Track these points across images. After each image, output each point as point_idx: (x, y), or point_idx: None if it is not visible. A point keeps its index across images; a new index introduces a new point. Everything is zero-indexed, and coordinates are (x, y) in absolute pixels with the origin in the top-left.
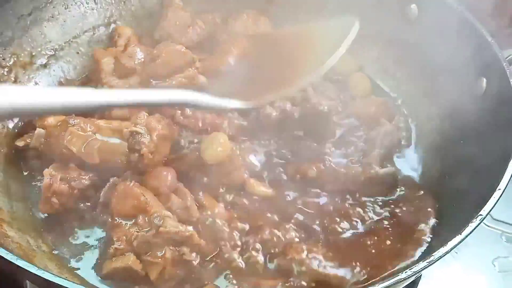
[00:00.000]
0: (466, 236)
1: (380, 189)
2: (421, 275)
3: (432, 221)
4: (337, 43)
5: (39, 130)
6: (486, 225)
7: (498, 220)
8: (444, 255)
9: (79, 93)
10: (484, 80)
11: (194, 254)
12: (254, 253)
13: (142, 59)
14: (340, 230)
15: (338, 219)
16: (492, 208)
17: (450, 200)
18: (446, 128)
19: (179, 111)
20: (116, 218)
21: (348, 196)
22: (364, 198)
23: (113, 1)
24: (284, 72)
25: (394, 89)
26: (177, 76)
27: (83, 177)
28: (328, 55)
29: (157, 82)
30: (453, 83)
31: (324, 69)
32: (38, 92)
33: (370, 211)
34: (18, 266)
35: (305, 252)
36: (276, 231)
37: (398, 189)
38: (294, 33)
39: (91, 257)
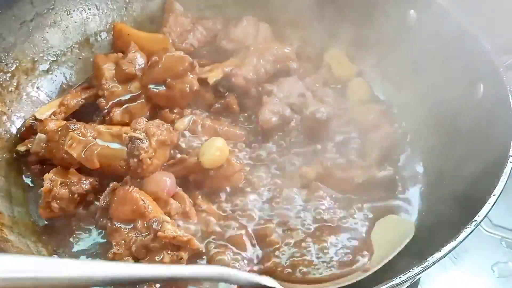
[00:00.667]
0: (461, 242)
1: (378, 193)
2: (419, 280)
3: None
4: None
5: (40, 135)
6: (485, 230)
7: (497, 226)
8: (438, 261)
9: (112, 268)
10: (481, 86)
11: None
12: None
13: (142, 65)
14: None
15: None
16: (486, 214)
17: (447, 205)
18: (444, 133)
19: None
20: (115, 222)
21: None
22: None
23: (115, 7)
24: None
25: (393, 94)
26: (177, 82)
27: (83, 181)
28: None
29: (158, 88)
30: (451, 88)
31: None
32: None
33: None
34: None
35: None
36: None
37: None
38: None
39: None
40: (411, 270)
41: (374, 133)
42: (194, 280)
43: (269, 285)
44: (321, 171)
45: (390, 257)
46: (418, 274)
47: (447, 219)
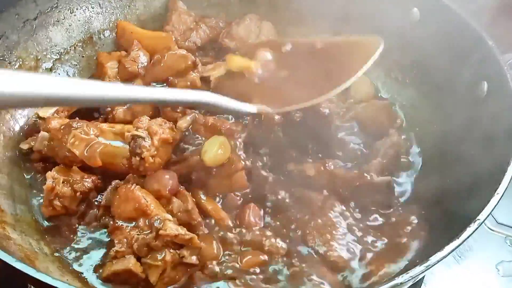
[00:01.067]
0: (463, 241)
1: (375, 199)
2: (423, 279)
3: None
4: (358, 63)
5: (42, 133)
6: (490, 229)
7: (502, 224)
8: (441, 260)
9: (95, 86)
10: (485, 84)
11: (194, 257)
12: None
13: (145, 63)
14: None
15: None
16: (490, 213)
17: (451, 204)
18: (447, 132)
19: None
20: (117, 220)
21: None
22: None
23: (118, 5)
24: (302, 85)
25: (396, 92)
26: (180, 80)
27: (86, 180)
28: (347, 75)
29: (160, 86)
30: (454, 87)
31: (340, 88)
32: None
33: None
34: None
35: None
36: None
37: (396, 201)
38: (317, 45)
39: (92, 259)
40: (414, 269)
41: (382, 139)
42: (178, 105)
43: (252, 111)
44: (321, 169)
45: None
46: (421, 273)
47: (450, 217)
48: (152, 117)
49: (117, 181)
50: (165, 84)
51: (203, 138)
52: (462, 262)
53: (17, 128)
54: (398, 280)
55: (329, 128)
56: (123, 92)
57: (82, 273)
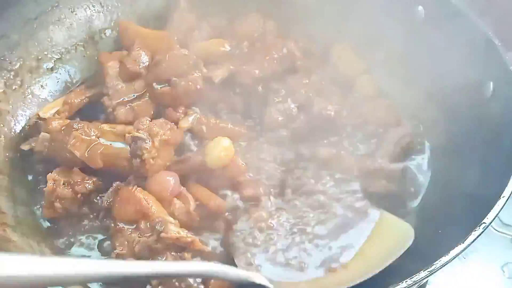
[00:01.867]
0: (469, 245)
1: (386, 184)
2: (427, 281)
3: None
4: (387, 255)
5: (43, 134)
6: (495, 229)
7: (508, 225)
8: (445, 264)
9: (97, 264)
10: (491, 84)
11: None
12: None
13: (147, 63)
14: None
15: None
16: (495, 216)
17: (456, 206)
18: (452, 132)
19: None
20: (118, 223)
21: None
22: None
23: (119, 4)
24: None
25: (400, 92)
26: (181, 80)
27: (87, 181)
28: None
29: (162, 86)
30: (460, 86)
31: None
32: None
33: None
34: None
35: None
36: None
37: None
38: None
39: None
40: (418, 274)
41: (394, 129)
42: (181, 277)
43: (259, 282)
44: (333, 152)
45: (377, 271)
46: (425, 278)
47: (455, 220)
48: (154, 117)
49: (118, 182)
50: (167, 84)
51: (206, 139)
52: (467, 263)
53: (18, 129)
54: (402, 285)
55: (335, 127)
56: (126, 269)
57: None
